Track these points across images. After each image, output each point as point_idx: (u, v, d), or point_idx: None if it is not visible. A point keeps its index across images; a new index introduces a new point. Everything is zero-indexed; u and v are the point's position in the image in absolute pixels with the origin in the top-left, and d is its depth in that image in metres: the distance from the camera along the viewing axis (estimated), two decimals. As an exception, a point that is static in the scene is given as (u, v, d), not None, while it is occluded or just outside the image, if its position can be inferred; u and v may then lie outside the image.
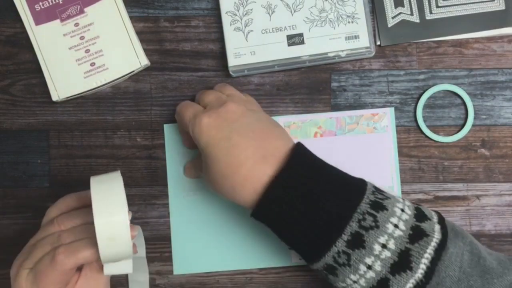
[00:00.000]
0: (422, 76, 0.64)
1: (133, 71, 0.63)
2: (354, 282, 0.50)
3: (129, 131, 0.64)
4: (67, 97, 0.63)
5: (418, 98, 0.63)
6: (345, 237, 0.49)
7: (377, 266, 0.49)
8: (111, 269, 0.50)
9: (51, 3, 0.62)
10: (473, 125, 0.63)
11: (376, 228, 0.49)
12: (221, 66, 0.64)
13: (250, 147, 0.52)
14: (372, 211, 0.49)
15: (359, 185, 0.52)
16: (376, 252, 0.49)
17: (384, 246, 0.49)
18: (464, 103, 0.63)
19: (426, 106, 0.64)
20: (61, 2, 0.62)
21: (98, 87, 0.63)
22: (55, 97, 0.62)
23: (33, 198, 0.64)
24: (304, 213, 0.50)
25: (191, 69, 0.64)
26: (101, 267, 0.51)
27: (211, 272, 0.63)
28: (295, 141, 0.55)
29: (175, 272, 0.63)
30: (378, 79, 0.64)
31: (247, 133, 0.53)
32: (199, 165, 0.57)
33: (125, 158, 0.64)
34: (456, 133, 0.63)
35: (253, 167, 0.52)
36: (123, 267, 0.50)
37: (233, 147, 0.52)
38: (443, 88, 0.63)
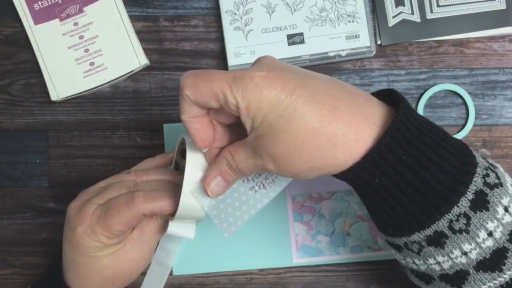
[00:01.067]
0: (423, 76, 0.63)
1: (133, 71, 0.63)
2: (464, 253, 0.41)
3: (128, 131, 0.64)
4: (66, 97, 0.62)
5: (419, 98, 0.63)
6: (469, 195, 0.40)
7: (498, 233, 0.41)
8: (175, 229, 0.50)
9: (50, 3, 0.62)
10: (474, 125, 0.63)
11: (500, 186, 0.42)
12: (221, 66, 0.64)
13: (340, 89, 0.42)
14: (491, 167, 0.43)
15: (465, 146, 0.44)
16: (499, 216, 0.41)
17: (506, 209, 0.41)
18: (465, 103, 0.63)
19: (427, 106, 0.63)
20: (60, 2, 0.62)
21: (97, 86, 0.62)
22: (54, 97, 0.62)
23: (32, 198, 0.64)
24: (417, 172, 0.41)
25: (190, 69, 0.64)
26: (161, 228, 0.52)
27: (211, 272, 0.63)
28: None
29: (174, 273, 0.63)
30: (379, 78, 0.63)
31: (324, 78, 0.43)
32: (249, 148, 0.43)
33: (125, 158, 0.64)
34: (457, 133, 0.63)
35: (356, 111, 0.41)
36: (186, 231, 0.50)
37: (318, 92, 0.41)
38: (444, 88, 0.63)
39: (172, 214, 0.50)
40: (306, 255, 0.63)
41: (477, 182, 0.41)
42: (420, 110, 0.63)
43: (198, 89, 0.42)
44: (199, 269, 0.63)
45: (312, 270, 0.63)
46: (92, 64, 0.62)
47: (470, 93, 0.63)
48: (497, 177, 0.42)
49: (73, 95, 0.63)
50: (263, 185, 0.48)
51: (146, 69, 0.64)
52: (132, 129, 0.64)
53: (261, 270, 0.63)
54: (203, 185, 0.46)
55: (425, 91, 0.63)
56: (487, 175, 0.42)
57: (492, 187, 0.41)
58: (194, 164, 0.47)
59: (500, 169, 0.44)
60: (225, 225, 0.47)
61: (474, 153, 0.43)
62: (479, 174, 0.41)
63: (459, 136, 0.63)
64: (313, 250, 0.63)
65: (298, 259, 0.63)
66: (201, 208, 0.48)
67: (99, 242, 0.49)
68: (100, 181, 0.53)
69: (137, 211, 0.48)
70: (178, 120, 0.64)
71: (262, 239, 0.63)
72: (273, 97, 0.40)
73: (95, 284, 0.52)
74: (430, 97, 0.63)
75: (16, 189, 0.64)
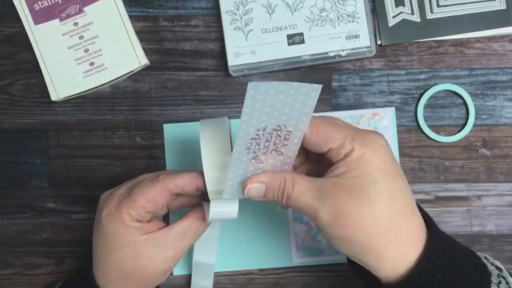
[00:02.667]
0: (423, 76, 0.63)
1: (133, 71, 0.63)
2: None
3: (128, 131, 0.64)
4: (66, 97, 0.62)
5: (419, 98, 0.63)
6: None
7: None
8: (216, 211, 0.48)
9: (50, 3, 0.62)
10: (474, 125, 0.63)
11: None
12: (221, 66, 0.64)
13: (406, 198, 0.45)
14: (501, 275, 0.46)
15: (476, 255, 0.47)
16: None
17: None
18: (465, 103, 0.63)
19: (427, 106, 0.63)
20: (60, 2, 0.62)
21: (98, 86, 0.62)
22: (54, 97, 0.62)
23: (32, 198, 0.64)
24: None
25: (190, 69, 0.64)
26: (185, 233, 0.51)
27: (211, 272, 0.63)
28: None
29: (175, 273, 0.63)
30: (379, 78, 0.63)
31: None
32: (317, 188, 0.44)
33: (125, 158, 0.64)
34: (457, 133, 0.63)
35: (407, 226, 0.44)
36: (228, 210, 0.49)
37: (407, 187, 0.44)
38: (444, 88, 0.63)
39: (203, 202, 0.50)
40: (306, 255, 0.63)
41: None
42: (420, 110, 0.63)
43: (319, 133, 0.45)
44: (199, 269, 0.63)
45: (312, 270, 0.63)
46: (92, 64, 0.62)
47: (470, 93, 0.63)
48: (507, 282, 0.45)
49: (73, 95, 0.63)
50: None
51: (146, 69, 0.64)
52: (132, 129, 0.64)
53: (261, 270, 0.63)
54: (246, 181, 0.46)
55: (425, 91, 0.63)
56: (500, 282, 0.44)
57: None
58: (210, 145, 0.47)
59: (505, 272, 0.46)
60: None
61: (484, 261, 0.46)
62: (494, 282, 0.44)
63: (459, 136, 0.63)
64: (313, 250, 0.63)
65: (298, 259, 0.63)
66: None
67: (122, 223, 0.49)
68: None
69: (162, 186, 0.48)
70: (178, 120, 0.64)
71: (262, 239, 0.63)
72: (383, 166, 0.43)
73: (114, 275, 0.51)
74: (430, 97, 0.63)
75: (16, 189, 0.64)
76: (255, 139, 0.44)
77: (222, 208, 0.49)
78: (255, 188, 0.46)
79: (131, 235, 0.49)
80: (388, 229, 0.43)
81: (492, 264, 0.47)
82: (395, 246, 0.43)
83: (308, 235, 0.63)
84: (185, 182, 0.49)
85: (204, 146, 0.48)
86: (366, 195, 0.42)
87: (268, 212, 0.62)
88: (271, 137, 0.44)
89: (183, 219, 0.51)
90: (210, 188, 0.48)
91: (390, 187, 0.43)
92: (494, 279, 0.44)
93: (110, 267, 0.50)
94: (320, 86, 0.41)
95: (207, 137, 0.48)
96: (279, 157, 0.46)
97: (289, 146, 0.45)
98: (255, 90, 0.41)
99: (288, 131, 0.44)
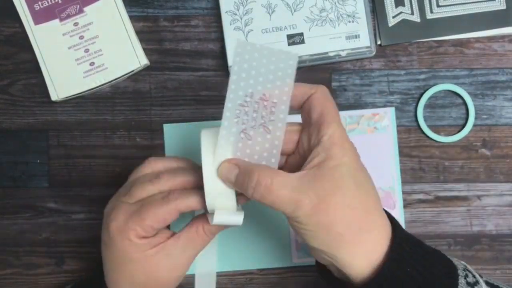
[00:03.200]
0: (422, 76, 0.63)
1: (133, 71, 0.63)
2: None
3: (128, 131, 0.64)
4: (66, 97, 0.62)
5: (419, 98, 0.63)
6: None
7: None
8: (220, 218, 0.47)
9: (50, 3, 0.62)
10: (474, 125, 0.63)
11: (478, 284, 0.46)
12: (221, 66, 0.64)
13: (375, 191, 0.46)
14: (467, 268, 0.47)
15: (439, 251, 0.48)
16: None
17: None
18: (465, 103, 0.63)
19: (426, 106, 0.63)
20: (60, 2, 0.62)
21: (98, 86, 0.62)
22: (54, 97, 0.62)
23: (32, 198, 0.64)
24: (418, 280, 0.44)
25: (191, 69, 0.64)
26: (194, 240, 0.50)
27: (211, 272, 0.63)
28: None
29: (175, 273, 0.63)
30: (379, 78, 0.64)
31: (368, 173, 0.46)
32: (297, 180, 0.44)
33: (125, 158, 0.64)
34: (457, 133, 0.63)
35: (378, 220, 0.45)
36: (232, 217, 0.48)
37: (368, 181, 0.45)
38: (444, 88, 0.63)
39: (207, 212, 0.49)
40: (306, 255, 0.63)
41: (461, 283, 0.45)
42: (420, 110, 0.63)
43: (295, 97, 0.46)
44: (199, 269, 0.63)
45: (312, 270, 0.63)
46: (92, 64, 0.62)
47: (470, 93, 0.63)
48: (473, 276, 0.46)
49: (73, 95, 0.63)
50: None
51: (146, 69, 0.64)
52: (132, 129, 0.64)
53: (261, 270, 0.63)
54: (223, 161, 0.46)
55: (425, 91, 0.63)
56: (467, 275, 0.46)
57: (472, 285, 0.45)
58: (209, 151, 0.47)
59: (469, 267, 0.48)
60: None
61: (449, 257, 0.47)
62: (461, 275, 0.45)
63: (459, 136, 0.63)
64: (313, 250, 0.63)
65: (298, 259, 0.63)
66: (230, 192, 0.47)
67: (129, 239, 0.48)
68: (124, 184, 0.52)
69: (173, 207, 0.48)
70: (178, 120, 0.64)
71: (262, 239, 0.63)
72: (356, 158, 0.44)
73: (127, 287, 0.50)
74: (430, 97, 0.63)
75: (17, 189, 0.64)
76: (243, 106, 0.45)
77: (225, 216, 0.48)
78: (227, 168, 0.45)
79: (140, 251, 0.49)
80: (364, 219, 0.44)
81: (458, 261, 0.48)
82: (370, 237, 0.44)
83: (308, 235, 0.63)
84: (196, 204, 0.48)
85: (205, 155, 0.47)
86: (346, 185, 0.43)
87: (268, 212, 0.62)
88: (258, 108, 0.45)
89: (189, 227, 0.50)
90: (208, 200, 0.47)
91: (365, 179, 0.45)
92: (460, 272, 0.45)
93: (122, 280, 0.50)
94: (297, 54, 0.43)
95: (208, 147, 0.47)
96: (267, 135, 0.46)
97: (276, 123, 0.45)
98: (242, 49, 0.43)
99: (273, 103, 0.45)
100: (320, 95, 0.46)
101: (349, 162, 0.44)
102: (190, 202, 0.48)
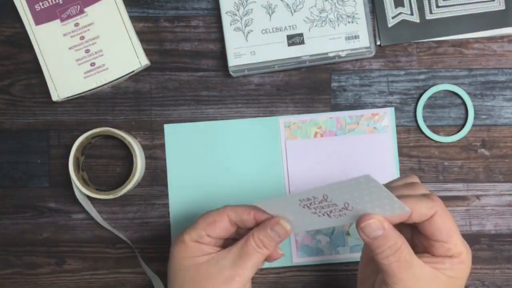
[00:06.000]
0: (422, 76, 0.64)
1: (133, 71, 0.63)
2: None
3: (129, 131, 0.64)
4: (67, 97, 0.63)
5: (418, 98, 0.63)
6: None
7: None
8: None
9: (51, 3, 0.62)
10: (473, 125, 0.63)
11: None
12: (221, 66, 0.64)
13: None
14: None
15: None
16: None
17: None
18: (464, 103, 0.63)
19: (426, 106, 0.63)
20: (61, 2, 0.62)
21: (98, 87, 0.63)
22: (55, 97, 0.62)
23: (33, 198, 0.64)
24: None
25: (191, 69, 0.64)
26: (240, 253, 0.51)
27: (211, 272, 0.63)
28: None
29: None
30: (378, 79, 0.64)
31: None
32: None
33: (125, 158, 0.64)
34: (456, 133, 0.63)
35: None
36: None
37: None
38: (443, 88, 0.63)
39: None
40: (306, 254, 0.63)
41: None
42: (420, 110, 0.63)
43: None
44: (199, 268, 0.63)
45: (312, 269, 0.63)
46: (93, 64, 0.62)
47: (469, 94, 0.63)
48: None
49: (74, 96, 0.63)
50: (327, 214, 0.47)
51: (146, 69, 0.64)
52: (132, 129, 0.64)
53: (261, 270, 0.63)
54: (365, 215, 0.46)
55: (424, 92, 0.63)
56: None
57: None
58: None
59: None
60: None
61: None
62: None
63: (458, 136, 0.63)
64: (313, 249, 0.63)
65: (298, 259, 0.63)
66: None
67: (183, 242, 0.51)
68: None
69: (222, 211, 0.51)
70: (178, 120, 0.64)
71: (262, 239, 0.63)
72: (467, 274, 0.49)
73: None
74: (430, 98, 0.63)
75: (17, 189, 0.64)
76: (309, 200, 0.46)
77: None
78: (373, 226, 0.46)
79: (192, 256, 0.50)
80: None
81: None
82: None
83: (308, 235, 0.63)
84: (243, 211, 0.50)
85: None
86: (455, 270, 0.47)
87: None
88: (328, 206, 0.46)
89: (242, 239, 0.51)
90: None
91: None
92: None
93: None
94: (410, 211, 0.45)
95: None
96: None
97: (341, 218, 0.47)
98: (366, 184, 0.42)
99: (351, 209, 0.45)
100: (442, 216, 0.47)
101: (464, 276, 0.48)
102: (237, 209, 0.50)
